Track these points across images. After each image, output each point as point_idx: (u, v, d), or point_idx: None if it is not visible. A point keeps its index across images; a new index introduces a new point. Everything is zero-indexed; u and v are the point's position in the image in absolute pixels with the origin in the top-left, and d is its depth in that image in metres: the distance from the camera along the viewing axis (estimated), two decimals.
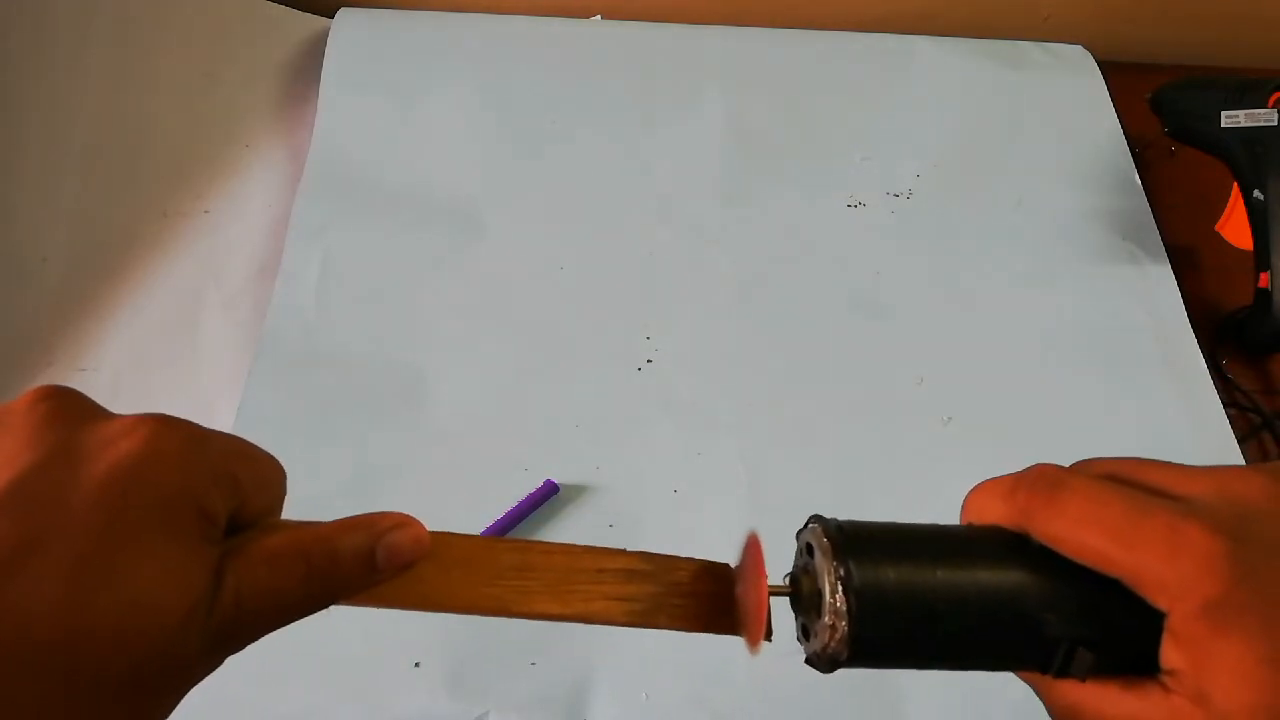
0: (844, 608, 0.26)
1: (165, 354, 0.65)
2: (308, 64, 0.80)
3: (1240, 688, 0.24)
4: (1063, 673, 0.27)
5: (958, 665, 0.28)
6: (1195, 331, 0.71)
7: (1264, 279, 0.68)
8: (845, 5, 0.88)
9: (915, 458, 0.63)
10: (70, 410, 0.26)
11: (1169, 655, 0.25)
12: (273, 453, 0.28)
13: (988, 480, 0.29)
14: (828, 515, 0.28)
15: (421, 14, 0.84)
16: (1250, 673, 0.24)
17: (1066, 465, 0.29)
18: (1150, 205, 0.78)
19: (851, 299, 0.71)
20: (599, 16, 0.86)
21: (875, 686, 0.55)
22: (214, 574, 0.25)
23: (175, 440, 0.25)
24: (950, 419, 0.65)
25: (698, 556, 0.30)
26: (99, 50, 0.75)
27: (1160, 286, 0.74)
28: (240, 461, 0.27)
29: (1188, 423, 0.66)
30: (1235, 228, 0.70)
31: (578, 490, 0.60)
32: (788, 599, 0.28)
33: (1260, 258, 0.68)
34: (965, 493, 0.30)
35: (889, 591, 0.26)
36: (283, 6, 0.82)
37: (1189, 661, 0.25)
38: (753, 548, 0.28)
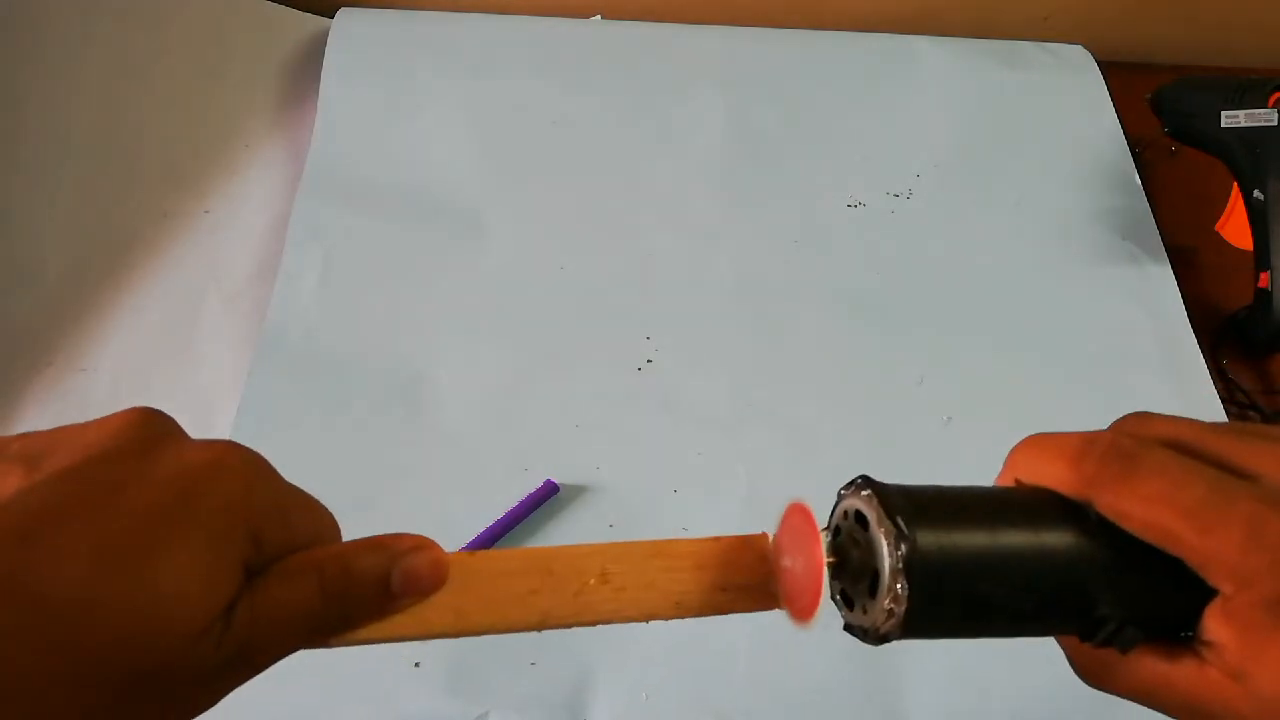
0: (904, 594, 0.25)
1: (165, 354, 0.65)
2: (308, 64, 0.80)
3: None
4: (1104, 645, 0.27)
5: (997, 636, 0.27)
6: (1195, 331, 0.71)
7: (1264, 279, 0.68)
8: (845, 5, 0.88)
9: (915, 458, 0.63)
10: (162, 424, 0.27)
11: (1215, 629, 0.25)
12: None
13: (1041, 437, 0.28)
14: (875, 478, 0.27)
15: (421, 14, 0.84)
16: None
17: (1122, 419, 0.28)
18: (1150, 205, 0.78)
19: (851, 299, 0.71)
20: (599, 16, 0.86)
21: (876, 687, 0.55)
22: (239, 592, 0.25)
23: (247, 464, 0.26)
24: (950, 419, 0.65)
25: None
26: (99, 50, 0.75)
27: (1160, 286, 0.74)
28: (300, 509, 0.27)
29: None
30: (1235, 228, 0.70)
31: (578, 490, 0.60)
32: (829, 567, 0.27)
33: (1260, 258, 0.68)
34: None
35: (950, 577, 0.26)
36: (283, 6, 0.82)
37: (1238, 641, 0.25)
38: (801, 516, 0.27)
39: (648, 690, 0.54)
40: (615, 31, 0.85)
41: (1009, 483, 0.29)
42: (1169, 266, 0.75)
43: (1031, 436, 0.29)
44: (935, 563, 0.25)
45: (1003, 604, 0.26)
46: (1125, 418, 0.29)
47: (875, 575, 0.26)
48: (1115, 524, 0.26)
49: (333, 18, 0.82)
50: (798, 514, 0.27)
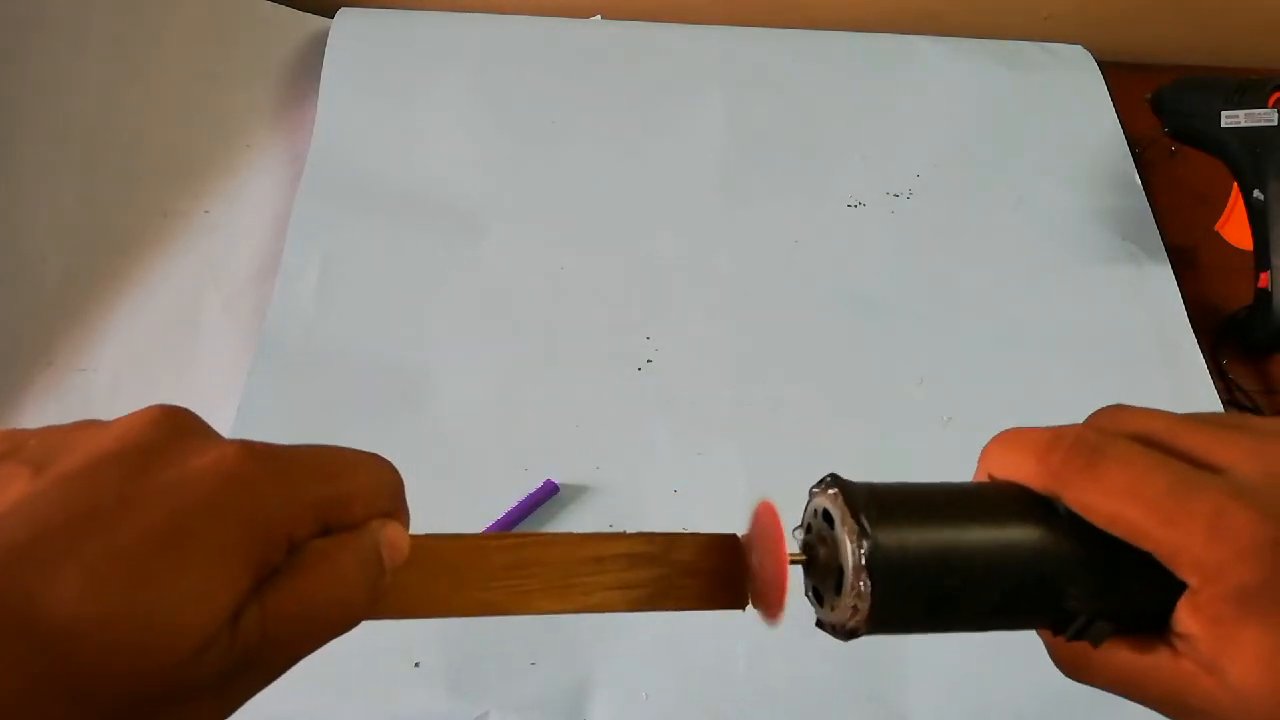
0: (867, 590, 0.26)
1: (165, 354, 0.65)
2: (308, 64, 0.80)
3: (1260, 671, 0.24)
4: (1076, 638, 0.27)
5: (968, 630, 0.28)
6: (1195, 331, 0.71)
7: (1264, 279, 0.68)
8: (845, 5, 0.88)
9: (915, 458, 0.63)
10: (179, 424, 0.25)
11: (1186, 621, 0.25)
12: None
13: (1013, 432, 0.28)
14: (844, 476, 0.27)
15: (421, 14, 0.84)
16: (1273, 660, 0.24)
17: (1095, 413, 0.28)
18: (1150, 205, 0.78)
19: (852, 299, 0.71)
20: (599, 16, 0.86)
21: (875, 688, 0.55)
22: (244, 600, 0.24)
23: (260, 470, 0.25)
24: (950, 419, 0.65)
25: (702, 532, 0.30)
26: (99, 50, 0.75)
27: (1160, 286, 0.74)
28: (326, 483, 0.26)
29: None
30: (1235, 228, 0.70)
31: (578, 490, 0.60)
32: (801, 565, 0.28)
33: (1260, 258, 0.68)
34: None
35: (913, 572, 0.26)
36: (283, 6, 0.82)
37: (1208, 633, 0.25)
38: (768, 515, 0.28)
39: (648, 690, 0.54)
40: (615, 31, 0.85)
41: (983, 478, 0.29)
42: (1169, 266, 0.75)
43: (1004, 432, 0.29)
44: (896, 559, 0.26)
45: (968, 599, 0.26)
46: (1100, 411, 0.29)
47: (840, 572, 0.26)
48: (1084, 518, 0.26)
49: (333, 18, 0.82)
50: (765, 513, 0.28)
